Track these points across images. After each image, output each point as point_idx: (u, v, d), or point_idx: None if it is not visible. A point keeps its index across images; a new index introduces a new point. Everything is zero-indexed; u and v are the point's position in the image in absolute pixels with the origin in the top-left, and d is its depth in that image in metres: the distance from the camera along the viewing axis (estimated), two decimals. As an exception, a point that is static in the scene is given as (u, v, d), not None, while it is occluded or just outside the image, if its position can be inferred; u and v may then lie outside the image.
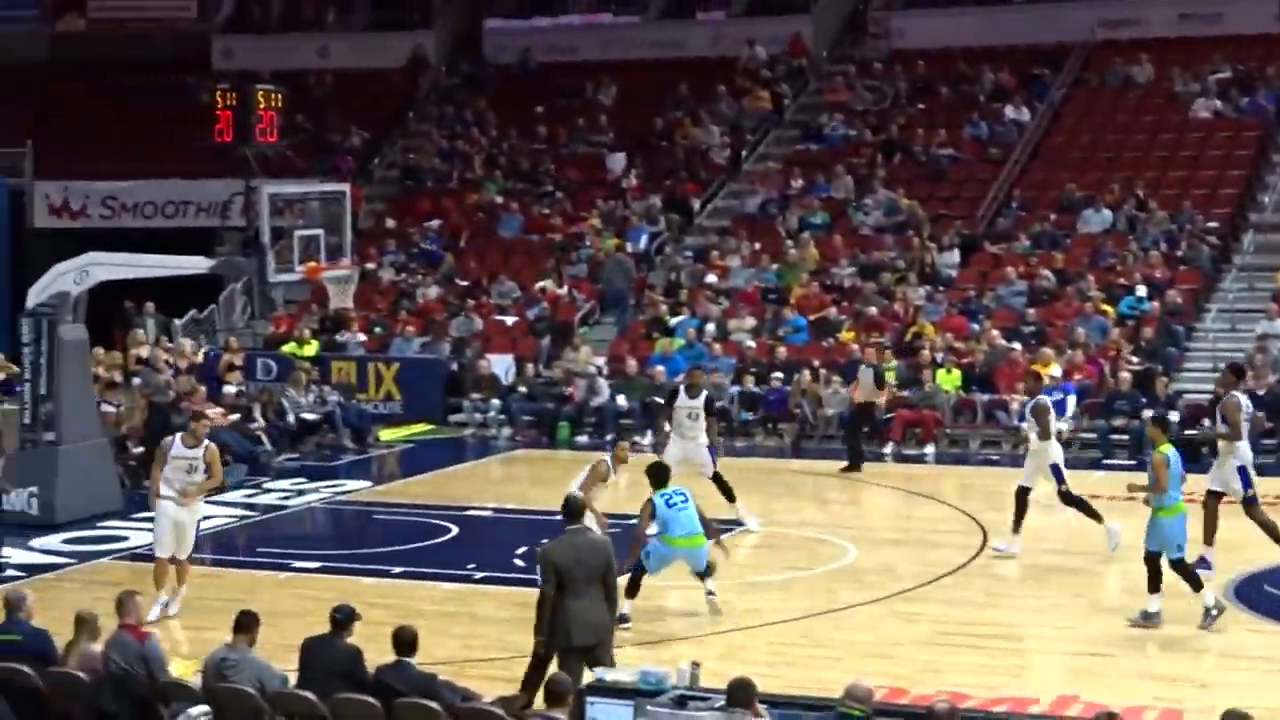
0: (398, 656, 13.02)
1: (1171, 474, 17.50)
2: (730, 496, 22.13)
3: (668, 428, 22.51)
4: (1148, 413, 21.47)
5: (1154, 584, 17.50)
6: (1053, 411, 20.92)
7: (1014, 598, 19.05)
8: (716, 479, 22.15)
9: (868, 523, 23.30)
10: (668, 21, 43.76)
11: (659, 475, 18.23)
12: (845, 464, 26.90)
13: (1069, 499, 20.69)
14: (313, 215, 26.40)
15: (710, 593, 18.15)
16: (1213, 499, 19.88)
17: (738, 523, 21.83)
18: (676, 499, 18.11)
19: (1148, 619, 17.49)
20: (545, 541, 14.65)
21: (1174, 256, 32.41)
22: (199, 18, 46.77)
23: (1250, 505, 19.70)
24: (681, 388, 23.02)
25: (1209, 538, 19.69)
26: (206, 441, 18.81)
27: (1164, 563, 17.47)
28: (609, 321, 34.47)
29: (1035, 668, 16.32)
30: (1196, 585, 17.50)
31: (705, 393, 22.79)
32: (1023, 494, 20.74)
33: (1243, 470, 19.63)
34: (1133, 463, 26.39)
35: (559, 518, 14.70)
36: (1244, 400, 20.43)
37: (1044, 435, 20.42)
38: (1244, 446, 19.92)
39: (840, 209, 36.09)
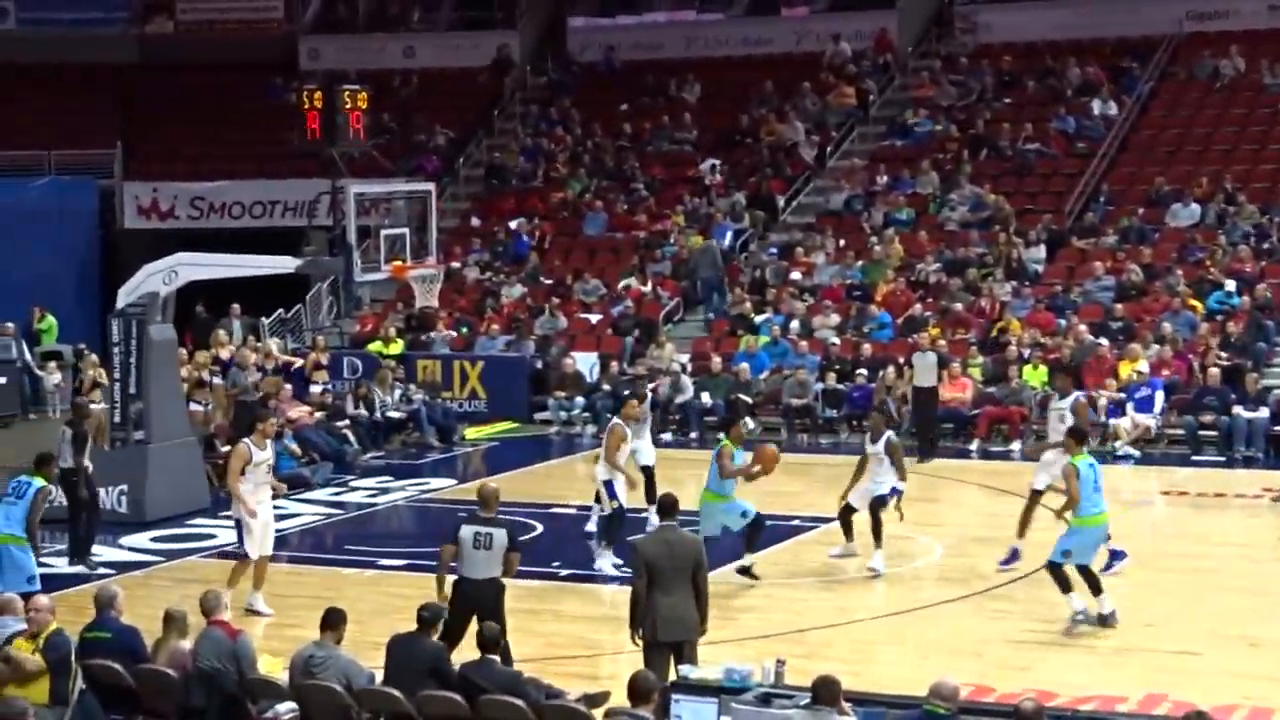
0: (482, 654, 13.08)
1: (1084, 482, 17.41)
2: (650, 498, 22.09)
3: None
4: (1067, 423, 19.92)
5: (1095, 587, 17.44)
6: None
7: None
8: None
9: (954, 520, 23.16)
10: (752, 18, 43.67)
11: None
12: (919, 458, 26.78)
13: (878, 525, 19.87)
14: (398, 214, 26.54)
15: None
16: (1036, 496, 19.88)
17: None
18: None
19: (1105, 620, 17.35)
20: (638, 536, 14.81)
21: (1264, 250, 32.11)
22: (286, 19, 47.06)
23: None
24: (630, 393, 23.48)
25: (1021, 531, 19.77)
26: (271, 440, 19.31)
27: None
28: (695, 320, 34.47)
29: (1123, 666, 16.19)
30: (1067, 588, 17.33)
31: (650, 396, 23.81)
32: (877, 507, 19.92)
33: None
34: (1222, 459, 26.19)
35: (655, 515, 14.83)
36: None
37: (901, 476, 19.90)
38: None
39: (925, 205, 35.96)
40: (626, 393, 22.72)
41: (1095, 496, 17.54)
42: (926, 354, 27.88)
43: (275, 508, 20.07)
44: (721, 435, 20.17)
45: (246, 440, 19.01)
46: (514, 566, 15.32)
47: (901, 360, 29.84)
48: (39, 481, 17.96)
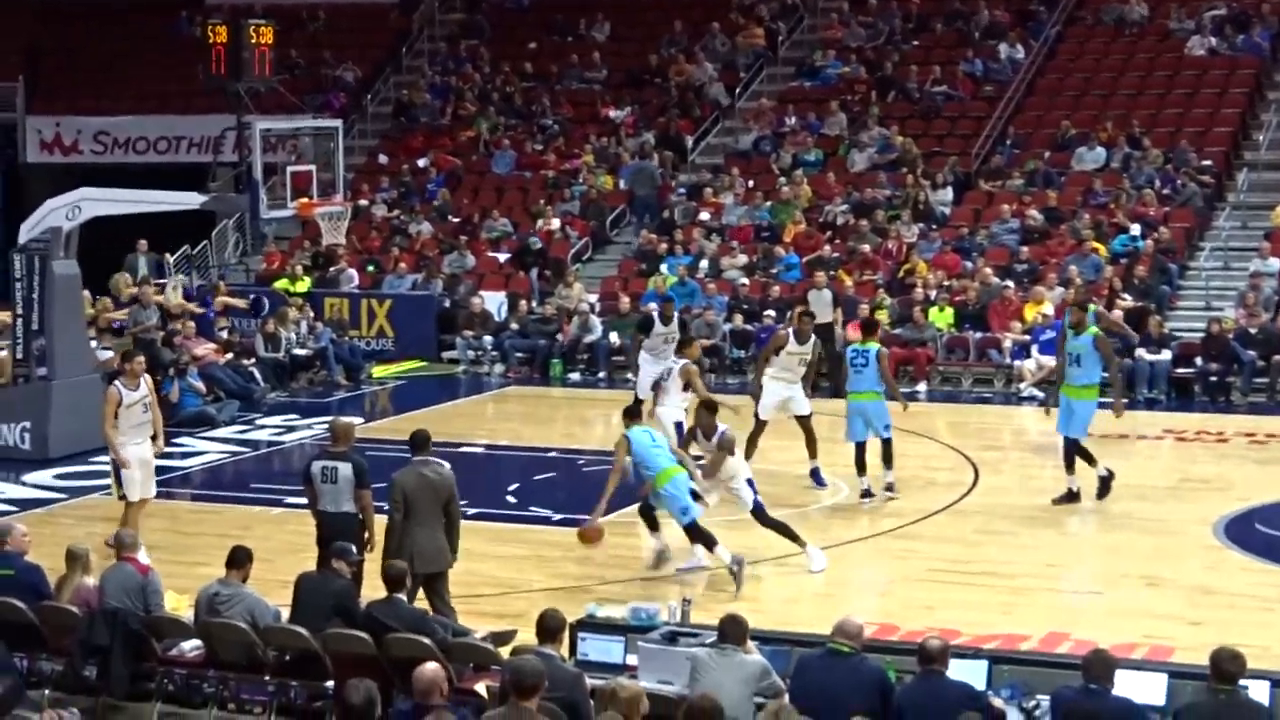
0: (388, 592, 13.07)
1: (640, 449, 16.97)
2: None
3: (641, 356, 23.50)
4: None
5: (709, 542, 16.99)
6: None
7: (1005, 535, 19.08)
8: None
9: (860, 460, 23.31)
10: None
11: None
12: None
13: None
14: (305, 151, 26.35)
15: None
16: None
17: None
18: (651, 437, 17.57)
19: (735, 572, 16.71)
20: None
21: (1168, 195, 32.36)
22: (191, -49, 46.46)
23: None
24: (656, 315, 24.08)
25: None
26: (144, 377, 18.60)
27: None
28: (604, 260, 34.48)
29: (1026, 605, 16.35)
30: (710, 545, 16.89)
31: (677, 316, 24.16)
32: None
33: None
34: (1124, 400, 26.42)
35: (407, 449, 15.26)
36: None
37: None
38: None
39: (834, 147, 36.01)
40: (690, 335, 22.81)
41: (655, 453, 17.08)
42: (822, 291, 27.95)
43: (180, 445, 19.89)
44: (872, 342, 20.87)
45: (116, 383, 18.42)
46: (365, 503, 15.22)
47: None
48: None
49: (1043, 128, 35.50)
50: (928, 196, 33.30)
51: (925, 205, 33.15)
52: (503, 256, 34.24)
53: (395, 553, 14.32)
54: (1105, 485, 20.18)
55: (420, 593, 14.51)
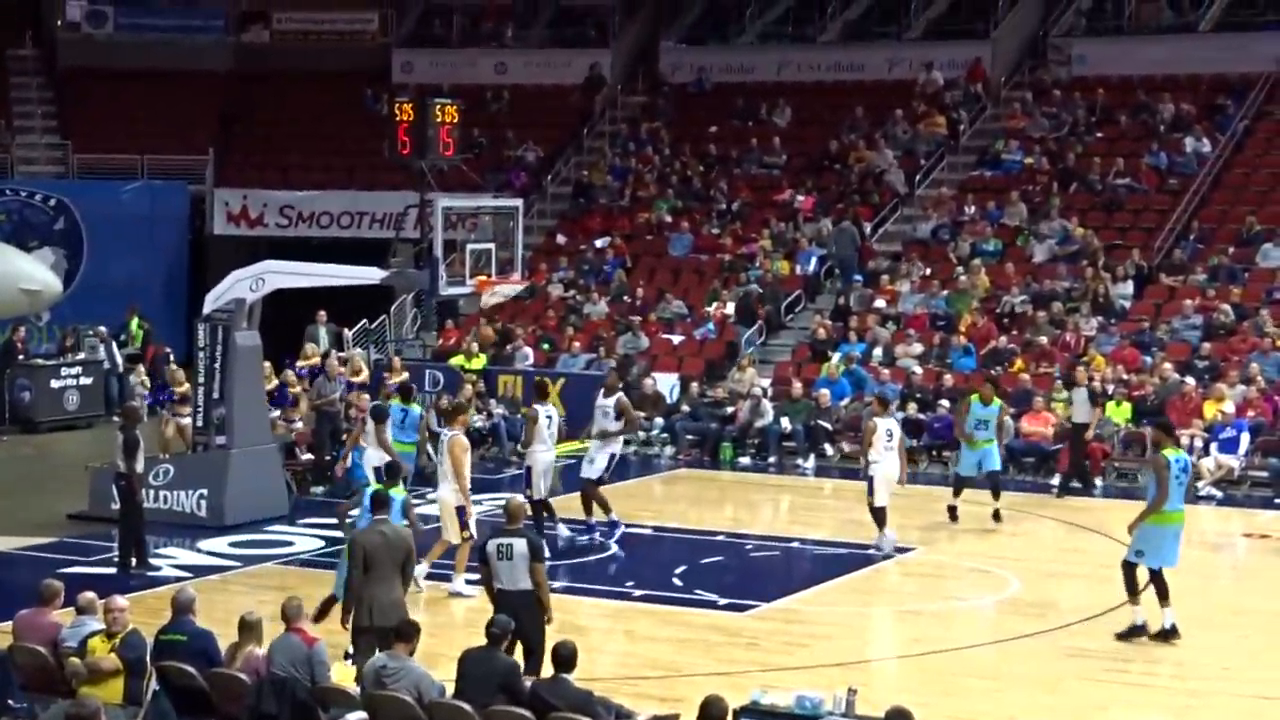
0: (556, 672, 13.08)
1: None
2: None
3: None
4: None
5: None
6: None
7: (1181, 636, 18.71)
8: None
9: (1031, 555, 23.01)
10: (846, 45, 43.53)
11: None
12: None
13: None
14: (485, 229, 26.62)
15: None
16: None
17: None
18: None
19: None
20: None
21: (1356, 293, 31.77)
22: (380, 31, 47.35)
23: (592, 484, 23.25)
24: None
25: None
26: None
27: None
28: (777, 345, 34.45)
29: (1201, 708, 16.02)
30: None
31: (619, 394, 24.56)
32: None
33: (612, 457, 23.48)
34: None
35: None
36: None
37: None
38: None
39: (1013, 236, 35.76)
40: None
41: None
42: (1080, 389, 27.74)
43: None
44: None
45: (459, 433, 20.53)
46: (539, 577, 15.35)
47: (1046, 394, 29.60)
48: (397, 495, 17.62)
49: (1227, 223, 35.03)
50: (1107, 289, 32.94)
51: (1105, 298, 32.78)
52: (676, 339, 34.32)
53: (354, 607, 15.23)
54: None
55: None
